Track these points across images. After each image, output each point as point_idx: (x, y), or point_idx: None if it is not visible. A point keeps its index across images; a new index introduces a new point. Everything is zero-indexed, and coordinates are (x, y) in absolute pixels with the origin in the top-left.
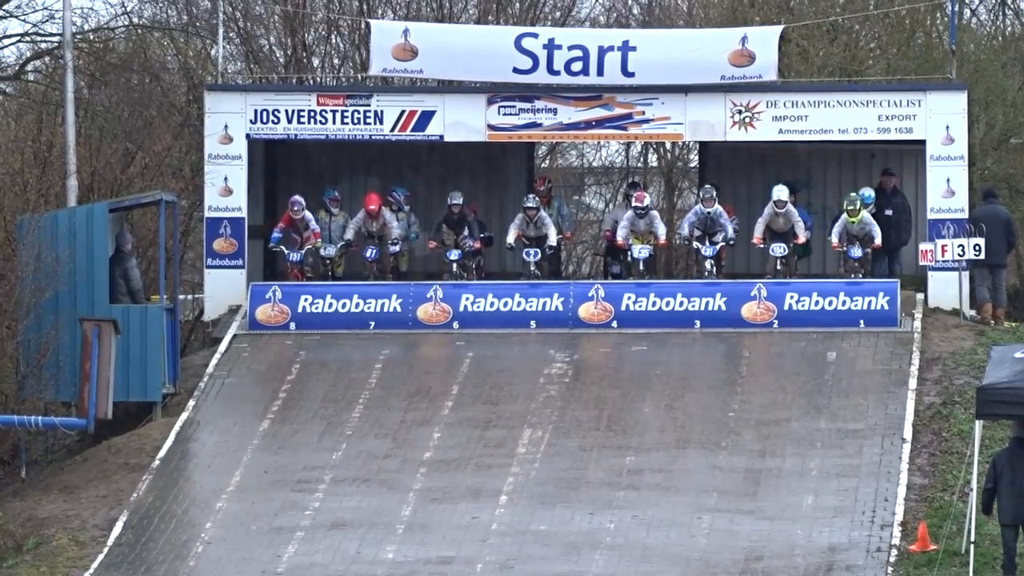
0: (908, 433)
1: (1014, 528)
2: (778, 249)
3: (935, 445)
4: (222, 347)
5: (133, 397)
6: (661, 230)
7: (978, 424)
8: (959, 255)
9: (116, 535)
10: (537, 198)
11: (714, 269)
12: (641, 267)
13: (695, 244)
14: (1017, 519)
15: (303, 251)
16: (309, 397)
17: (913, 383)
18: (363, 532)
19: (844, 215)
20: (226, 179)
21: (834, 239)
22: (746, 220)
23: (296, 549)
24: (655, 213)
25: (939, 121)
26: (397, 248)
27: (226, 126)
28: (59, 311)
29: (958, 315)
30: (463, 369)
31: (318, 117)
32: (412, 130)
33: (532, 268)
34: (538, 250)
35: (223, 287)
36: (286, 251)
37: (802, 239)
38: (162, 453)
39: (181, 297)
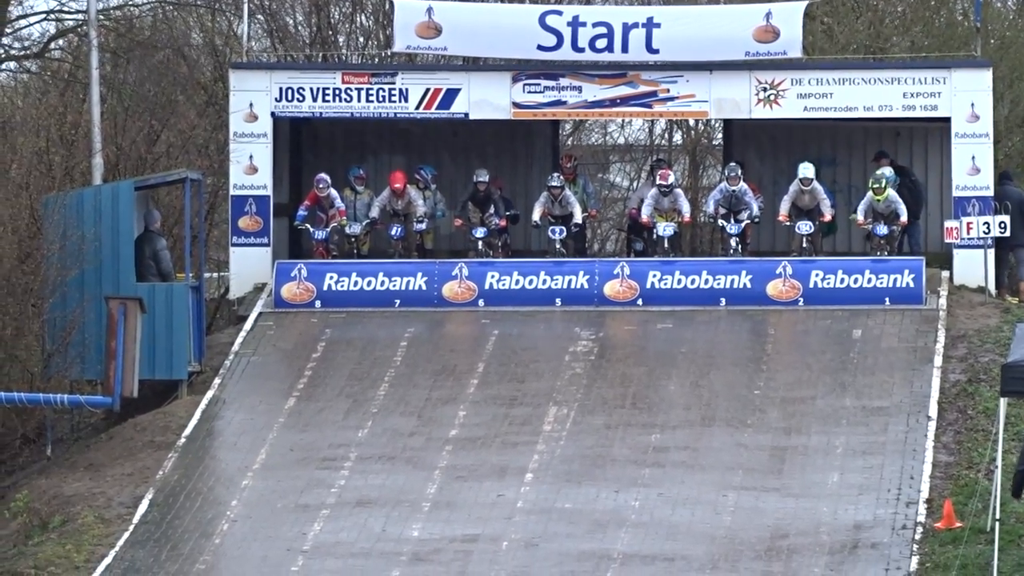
0: (933, 411)
1: None
2: (804, 227)
3: (960, 423)
4: (247, 325)
5: (159, 375)
6: (685, 208)
7: (1003, 402)
8: (984, 232)
9: (142, 513)
10: (561, 176)
11: (739, 247)
12: (666, 244)
13: (720, 222)
14: None
15: (328, 229)
16: (335, 375)
17: (938, 361)
18: (388, 510)
19: (869, 193)
20: (251, 157)
21: (859, 216)
22: (771, 198)
23: (321, 527)
24: (679, 191)
25: (964, 99)
26: (423, 226)
27: (251, 104)
28: (85, 289)
29: (983, 292)
30: (488, 347)
31: (343, 95)
32: (437, 108)
33: (558, 246)
34: (563, 228)
35: (248, 265)
36: (311, 229)
37: (828, 217)
38: (188, 431)
39: (207, 275)
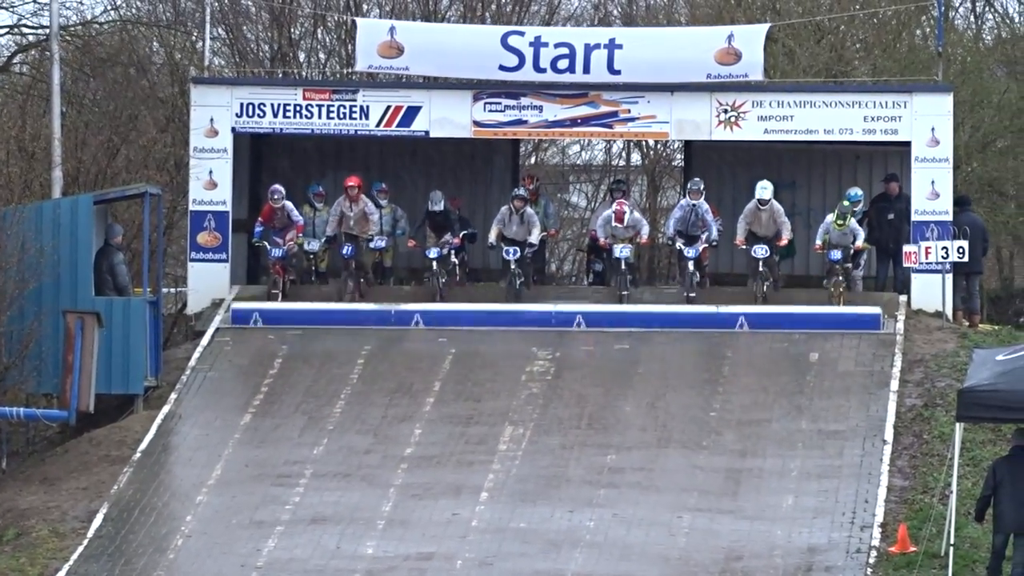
0: (889, 435)
1: (1006, 537)
2: (760, 251)
3: (916, 447)
4: (204, 340)
5: (115, 389)
6: (644, 229)
7: (959, 427)
8: (943, 257)
9: (96, 527)
10: (526, 190)
11: (696, 274)
12: (623, 266)
13: (678, 244)
14: (1019, 528)
15: (285, 247)
16: (291, 391)
17: (895, 385)
18: (343, 527)
19: (831, 218)
20: (211, 172)
21: (817, 242)
22: (730, 220)
23: (276, 543)
24: (636, 216)
25: (925, 123)
26: (383, 244)
27: (212, 119)
28: (42, 303)
29: (940, 317)
30: (445, 365)
31: (304, 111)
32: (398, 125)
33: (513, 266)
34: (518, 248)
35: (206, 281)
36: (268, 247)
37: (785, 240)
38: (143, 446)
39: (164, 290)
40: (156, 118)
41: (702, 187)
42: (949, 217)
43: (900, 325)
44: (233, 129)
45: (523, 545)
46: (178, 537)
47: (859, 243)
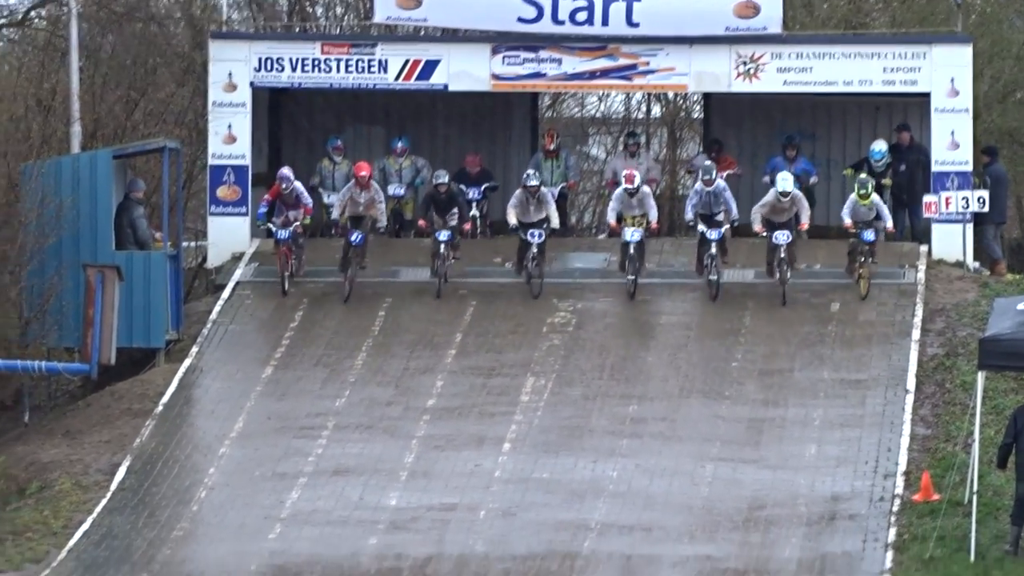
0: (911, 384)
1: None
2: (782, 237)
3: (938, 396)
4: (225, 294)
5: (136, 343)
6: (653, 213)
7: (980, 375)
8: (963, 208)
9: (119, 480)
10: (539, 175)
11: (718, 258)
12: (631, 251)
13: (700, 227)
14: None
15: (291, 229)
16: (312, 344)
17: (916, 334)
18: (366, 479)
19: (854, 196)
20: (230, 127)
21: (846, 219)
22: (750, 172)
23: (299, 495)
24: (647, 191)
25: (944, 74)
26: (402, 192)
27: (230, 74)
28: (63, 257)
29: (961, 267)
30: (466, 317)
31: (322, 66)
32: (416, 79)
33: (534, 249)
34: (542, 231)
35: (226, 234)
36: (274, 228)
37: (806, 224)
38: (165, 399)
39: (185, 244)
40: (174, 72)
41: (714, 172)
42: (969, 167)
43: (921, 275)
44: (252, 83)
45: (546, 495)
46: (201, 489)
47: (888, 225)
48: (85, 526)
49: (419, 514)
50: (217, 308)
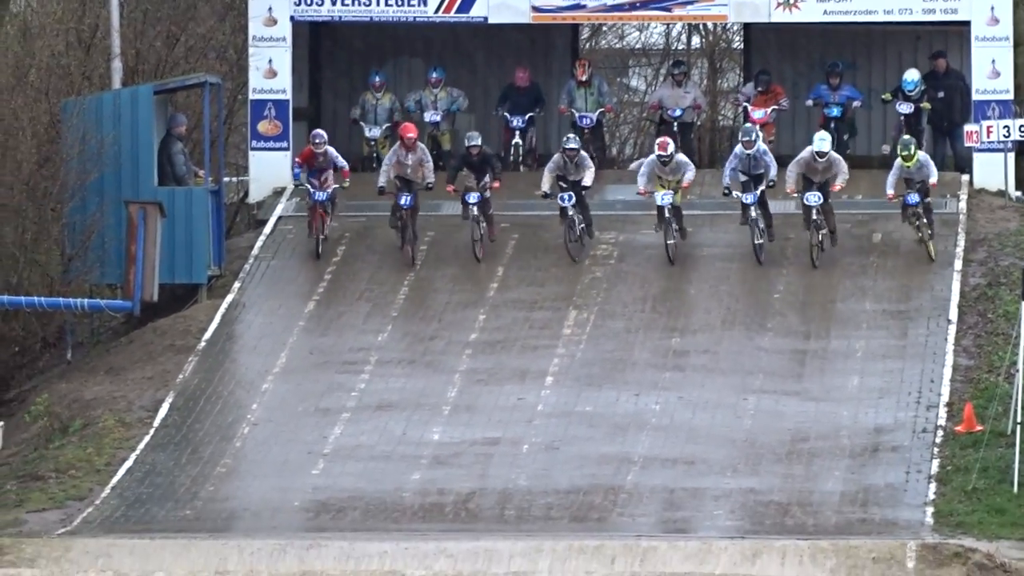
0: (953, 314)
1: None
2: (813, 198)
3: (980, 326)
4: (267, 229)
5: (178, 279)
6: (688, 174)
7: (1023, 305)
8: (1004, 136)
9: (162, 416)
10: (578, 138)
11: (760, 219)
12: (667, 214)
13: (735, 194)
14: None
15: (330, 190)
16: (354, 279)
17: (958, 264)
18: (409, 413)
19: (898, 160)
20: (270, 61)
21: (889, 190)
22: (793, 102)
23: (342, 430)
24: (682, 159)
25: (984, 2)
26: (438, 119)
27: (270, 8)
28: (104, 194)
29: (1003, 196)
30: (508, 251)
31: None
32: (456, 11)
33: (570, 212)
34: (572, 194)
35: (268, 169)
36: (311, 188)
37: (839, 186)
38: (208, 335)
39: (226, 179)
40: (215, 7)
41: (754, 135)
42: (1010, 96)
43: (963, 204)
44: (292, 18)
45: (589, 429)
46: (244, 425)
47: (933, 180)
48: (128, 463)
49: (462, 449)
50: (259, 243)
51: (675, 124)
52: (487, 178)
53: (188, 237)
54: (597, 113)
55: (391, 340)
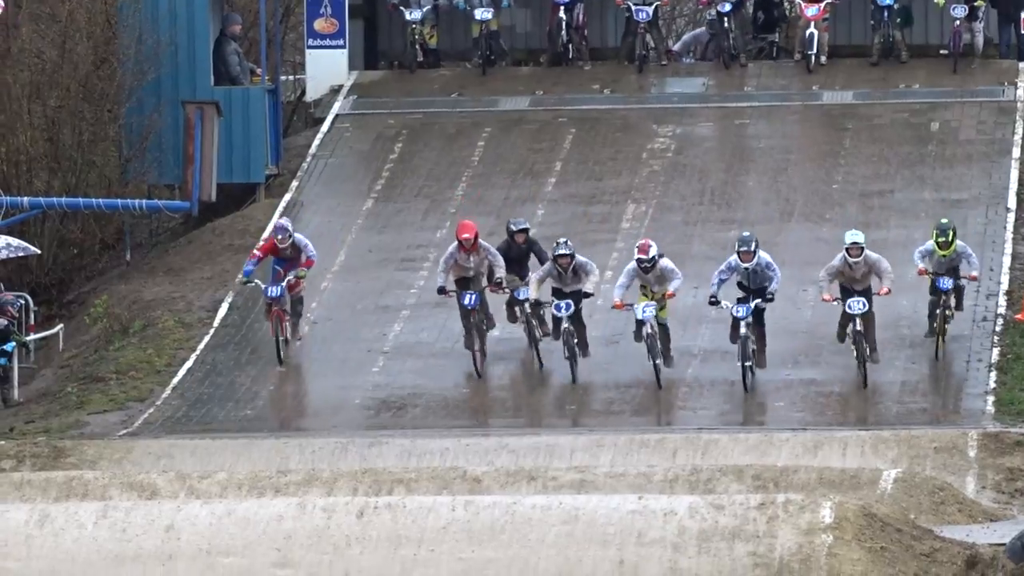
0: (1012, 202)
1: None
2: (856, 305)
3: None
4: (324, 127)
5: (236, 179)
6: (675, 283)
7: None
8: None
9: (222, 316)
10: (569, 242)
11: (751, 339)
12: (648, 329)
13: (724, 305)
14: None
15: (284, 283)
16: (412, 175)
17: (1016, 152)
18: None
19: (931, 244)
20: None
21: (919, 264)
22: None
23: (402, 327)
24: (666, 263)
25: None
26: (489, 16)
27: None
28: (161, 95)
29: None
30: (566, 145)
31: None
32: None
33: (564, 324)
34: (571, 302)
35: (325, 67)
36: (262, 284)
37: (886, 290)
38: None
39: (283, 78)
40: None
41: (754, 245)
42: None
43: (1021, 92)
44: None
45: None
46: (304, 324)
47: (974, 273)
48: (188, 363)
49: (522, 344)
50: (316, 142)
51: (726, 19)
52: (533, 274)
53: (245, 136)
54: (653, 7)
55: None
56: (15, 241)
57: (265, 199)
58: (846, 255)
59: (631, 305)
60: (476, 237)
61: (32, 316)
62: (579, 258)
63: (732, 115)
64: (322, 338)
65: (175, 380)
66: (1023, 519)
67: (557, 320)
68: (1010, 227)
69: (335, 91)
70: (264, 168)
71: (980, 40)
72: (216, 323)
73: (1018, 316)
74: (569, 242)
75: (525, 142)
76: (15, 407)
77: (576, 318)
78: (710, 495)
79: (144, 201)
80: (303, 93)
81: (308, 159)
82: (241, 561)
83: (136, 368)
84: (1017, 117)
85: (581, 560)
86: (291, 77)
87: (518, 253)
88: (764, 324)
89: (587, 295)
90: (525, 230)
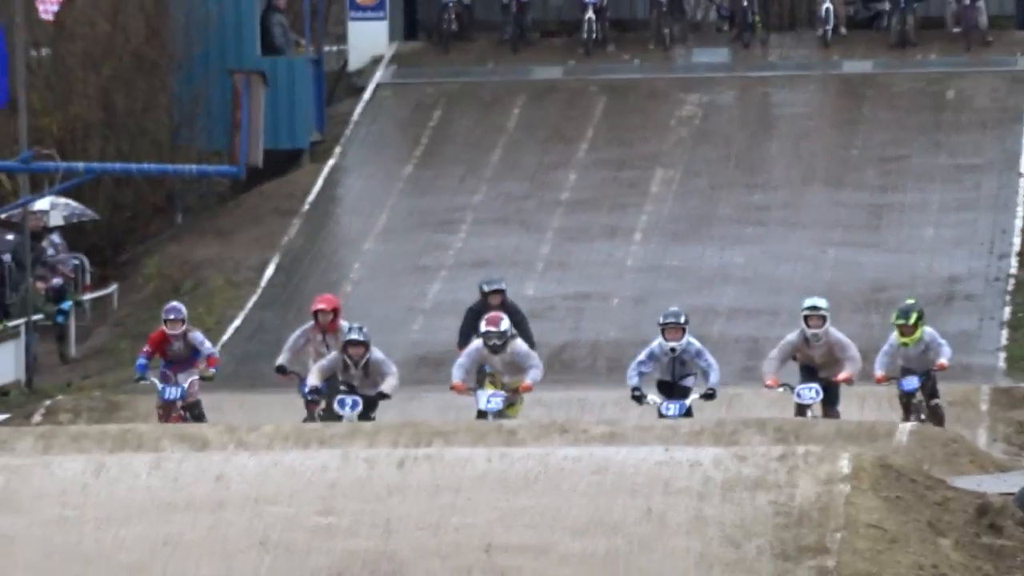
0: None
1: None
2: (807, 393)
3: None
4: (366, 96)
5: (282, 145)
6: (533, 373)
7: None
8: None
9: (269, 276)
10: (364, 329)
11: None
12: (490, 419)
13: (650, 399)
14: None
15: (185, 385)
16: (450, 142)
17: None
18: (504, 270)
19: (893, 338)
20: None
21: (878, 371)
22: None
23: (440, 287)
24: (521, 347)
25: None
26: None
27: None
28: (209, 64)
29: None
30: (597, 112)
31: None
32: None
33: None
34: (358, 399)
35: (366, 38)
36: (159, 384)
37: (845, 375)
38: (311, 197)
39: (326, 48)
40: None
41: (683, 319)
42: None
43: None
44: None
45: (677, 282)
46: (347, 284)
47: (943, 361)
48: (237, 322)
49: (555, 303)
50: (358, 109)
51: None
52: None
53: (290, 104)
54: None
55: (486, 200)
56: (76, 205)
57: (310, 164)
58: (804, 327)
59: (473, 389)
60: (336, 312)
61: (87, 276)
62: (376, 353)
63: (756, 84)
64: (364, 297)
65: (224, 337)
66: None
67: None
68: (1022, 191)
69: (376, 61)
70: (308, 134)
71: (984, 19)
72: (263, 283)
73: None
74: (364, 328)
75: (558, 110)
76: (72, 363)
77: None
78: (734, 447)
79: (194, 166)
80: (345, 63)
81: (350, 126)
82: (287, 509)
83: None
84: None
85: (611, 508)
86: (334, 48)
87: (481, 312)
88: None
89: (384, 396)
90: (500, 291)
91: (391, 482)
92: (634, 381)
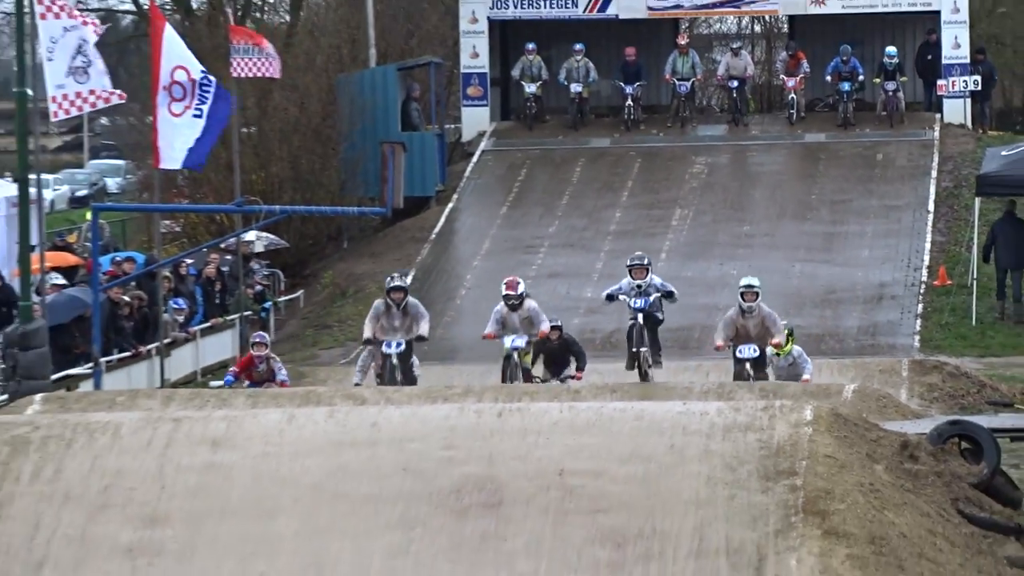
0: (931, 207)
1: (1005, 271)
2: (747, 350)
3: (949, 215)
4: (474, 159)
5: (416, 193)
6: (543, 325)
7: (977, 200)
8: (963, 88)
9: (409, 283)
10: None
11: (647, 352)
12: (515, 358)
13: (620, 298)
14: (1010, 265)
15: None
16: (533, 191)
17: (934, 173)
18: (570, 279)
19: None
20: (474, 47)
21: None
22: (817, 71)
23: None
24: (532, 305)
25: None
26: (579, 89)
27: (473, 11)
28: (366, 138)
29: (963, 128)
30: (634, 170)
31: (534, 3)
32: (597, 11)
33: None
34: (400, 341)
35: (474, 119)
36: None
37: (776, 341)
38: (436, 229)
39: (447, 126)
40: (437, 9)
41: (647, 260)
42: (967, 61)
43: (936, 134)
44: (488, 17)
45: (691, 287)
46: (462, 289)
47: (806, 376)
48: None
49: (602, 304)
50: (469, 168)
51: (734, 92)
52: (570, 369)
53: (422, 165)
54: (691, 83)
55: (558, 231)
56: (273, 237)
57: (435, 206)
58: (740, 302)
59: (500, 336)
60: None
61: (282, 285)
62: (411, 298)
63: (744, 150)
64: (474, 299)
65: None
66: (939, 417)
67: (386, 356)
68: (930, 224)
69: (481, 135)
70: (435, 186)
71: (903, 105)
72: None
73: (935, 282)
74: (405, 277)
75: (607, 168)
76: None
77: (403, 354)
78: (731, 401)
79: (355, 208)
80: (460, 136)
81: (463, 180)
82: (421, 446)
83: (351, 319)
84: (934, 150)
85: (646, 444)
86: (452, 125)
87: (553, 352)
88: (658, 341)
89: (422, 339)
90: (559, 327)
91: (493, 427)
92: (605, 294)
